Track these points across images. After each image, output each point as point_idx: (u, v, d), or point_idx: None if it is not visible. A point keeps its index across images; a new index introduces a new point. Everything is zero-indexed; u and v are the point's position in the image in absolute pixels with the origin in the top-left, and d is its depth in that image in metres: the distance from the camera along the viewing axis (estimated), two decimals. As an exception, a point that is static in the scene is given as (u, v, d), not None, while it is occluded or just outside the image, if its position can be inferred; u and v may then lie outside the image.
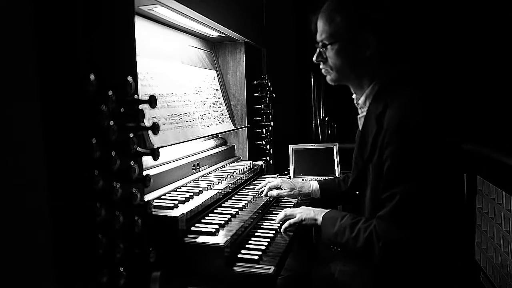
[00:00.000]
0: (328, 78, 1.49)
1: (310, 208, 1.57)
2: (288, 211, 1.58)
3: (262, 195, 1.82)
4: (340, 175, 2.29)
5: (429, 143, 1.25)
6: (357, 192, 1.51)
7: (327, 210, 1.52)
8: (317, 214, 1.51)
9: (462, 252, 1.46)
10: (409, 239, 1.25)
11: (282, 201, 1.92)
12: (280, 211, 1.61)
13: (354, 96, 1.55)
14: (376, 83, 1.41)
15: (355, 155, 1.49)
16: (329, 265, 1.56)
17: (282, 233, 1.51)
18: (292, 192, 1.84)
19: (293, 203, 1.88)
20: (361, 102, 1.46)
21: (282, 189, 1.84)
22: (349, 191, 1.61)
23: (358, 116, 1.53)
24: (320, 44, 1.43)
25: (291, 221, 1.52)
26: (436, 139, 1.28)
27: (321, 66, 1.48)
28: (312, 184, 1.89)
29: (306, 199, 1.94)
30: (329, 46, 1.39)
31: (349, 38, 1.36)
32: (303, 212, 1.54)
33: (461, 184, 1.46)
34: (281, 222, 1.56)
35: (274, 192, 1.82)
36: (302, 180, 2.02)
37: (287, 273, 1.67)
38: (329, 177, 2.11)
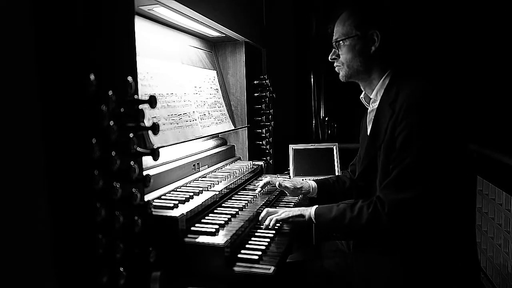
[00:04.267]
0: (340, 74, 1.65)
1: (294, 208, 1.58)
2: (271, 209, 1.59)
3: (259, 184, 1.86)
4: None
5: (438, 118, 1.36)
6: (363, 184, 1.57)
7: (316, 206, 1.53)
8: (303, 210, 1.53)
9: (467, 239, 1.49)
10: (413, 200, 1.31)
11: (282, 201, 1.92)
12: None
13: (362, 95, 1.70)
14: (385, 77, 1.56)
15: (366, 147, 1.58)
16: (325, 259, 1.57)
17: (269, 229, 1.50)
18: (294, 191, 1.87)
19: (293, 203, 1.88)
20: (373, 96, 1.60)
21: (286, 184, 1.86)
22: (356, 182, 1.67)
23: (368, 110, 1.64)
24: (334, 44, 1.62)
25: (279, 217, 1.51)
26: (445, 115, 1.39)
27: (335, 64, 1.66)
28: (310, 183, 1.91)
29: (305, 199, 1.94)
30: (341, 43, 1.59)
31: (357, 35, 1.55)
32: (288, 211, 1.54)
33: (469, 166, 1.52)
34: (266, 221, 1.54)
35: (276, 182, 1.86)
36: (302, 180, 2.03)
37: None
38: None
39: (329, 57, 1.65)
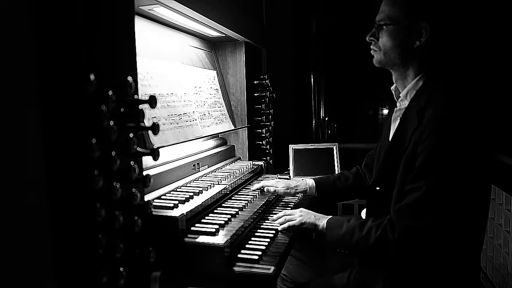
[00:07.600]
0: (374, 58, 1.51)
1: (311, 212, 1.55)
2: (288, 212, 1.57)
3: (253, 188, 1.85)
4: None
5: (465, 143, 1.26)
6: (378, 188, 1.49)
7: (330, 216, 1.50)
8: (318, 219, 1.49)
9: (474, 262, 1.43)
10: (426, 230, 1.23)
11: (282, 201, 1.92)
12: (280, 211, 1.61)
13: (392, 87, 1.57)
14: (420, 77, 1.42)
15: (386, 151, 1.48)
16: (330, 275, 1.55)
17: (280, 233, 1.50)
18: (288, 190, 1.85)
19: (293, 203, 1.88)
20: (402, 95, 1.48)
21: (278, 187, 1.85)
22: (370, 187, 1.58)
23: (395, 109, 1.52)
24: (376, 24, 1.46)
25: (291, 223, 1.51)
26: (473, 139, 1.29)
27: (371, 46, 1.51)
28: (308, 181, 1.88)
29: (305, 199, 1.94)
30: (384, 27, 1.43)
31: (404, 23, 1.39)
32: (304, 216, 1.52)
33: (488, 192, 1.41)
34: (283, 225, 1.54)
35: (272, 188, 1.83)
36: (302, 179, 2.02)
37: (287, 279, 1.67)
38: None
39: (367, 37, 1.50)
